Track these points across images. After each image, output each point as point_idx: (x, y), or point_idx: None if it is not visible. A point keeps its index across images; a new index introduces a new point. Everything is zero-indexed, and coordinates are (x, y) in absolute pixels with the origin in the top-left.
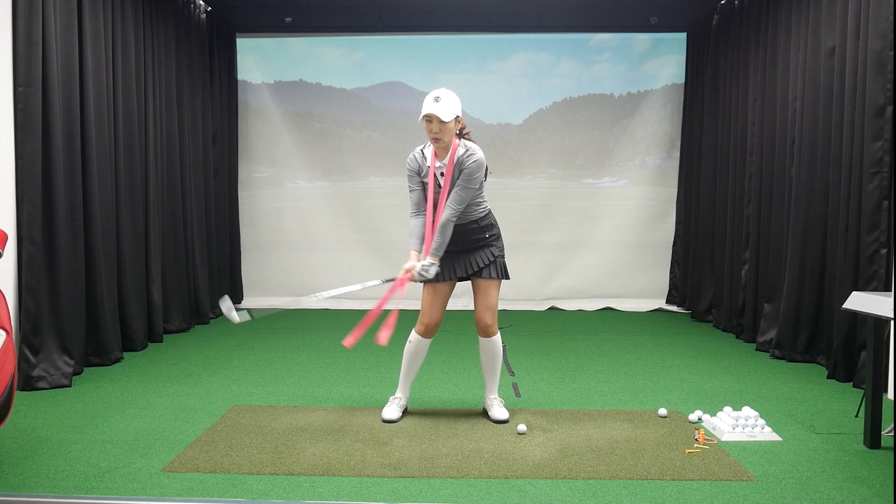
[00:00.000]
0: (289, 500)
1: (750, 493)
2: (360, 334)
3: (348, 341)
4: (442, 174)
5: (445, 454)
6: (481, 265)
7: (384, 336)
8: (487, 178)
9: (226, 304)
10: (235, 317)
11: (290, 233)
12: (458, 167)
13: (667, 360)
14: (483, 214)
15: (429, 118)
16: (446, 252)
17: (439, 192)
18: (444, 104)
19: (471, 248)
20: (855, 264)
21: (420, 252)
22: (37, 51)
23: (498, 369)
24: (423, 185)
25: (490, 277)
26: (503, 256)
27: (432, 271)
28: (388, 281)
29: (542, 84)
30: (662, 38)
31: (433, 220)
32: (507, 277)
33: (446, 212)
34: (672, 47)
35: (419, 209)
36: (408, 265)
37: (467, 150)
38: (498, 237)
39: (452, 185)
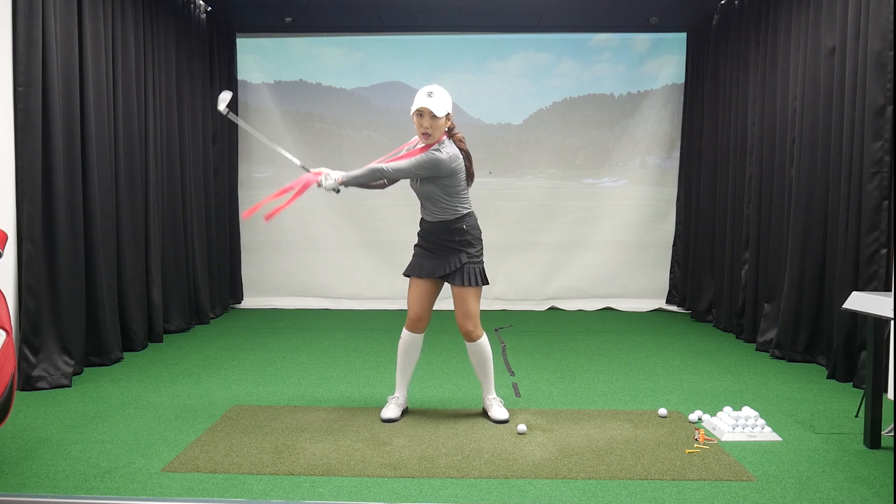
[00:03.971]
0: (289, 500)
1: (750, 493)
2: (258, 209)
3: (246, 213)
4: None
5: (445, 454)
6: (447, 270)
7: (267, 216)
8: (473, 182)
9: (225, 99)
10: (223, 106)
11: (290, 233)
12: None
13: (667, 360)
14: (454, 217)
15: (420, 112)
16: (423, 249)
17: (394, 156)
18: (437, 99)
19: (441, 250)
20: (855, 264)
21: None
22: (37, 51)
23: (489, 371)
24: None
25: (458, 284)
26: (477, 263)
27: (328, 183)
28: (303, 167)
29: (542, 84)
30: (662, 38)
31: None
32: (485, 283)
33: (376, 164)
34: (672, 47)
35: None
36: (325, 169)
37: (438, 147)
38: (470, 244)
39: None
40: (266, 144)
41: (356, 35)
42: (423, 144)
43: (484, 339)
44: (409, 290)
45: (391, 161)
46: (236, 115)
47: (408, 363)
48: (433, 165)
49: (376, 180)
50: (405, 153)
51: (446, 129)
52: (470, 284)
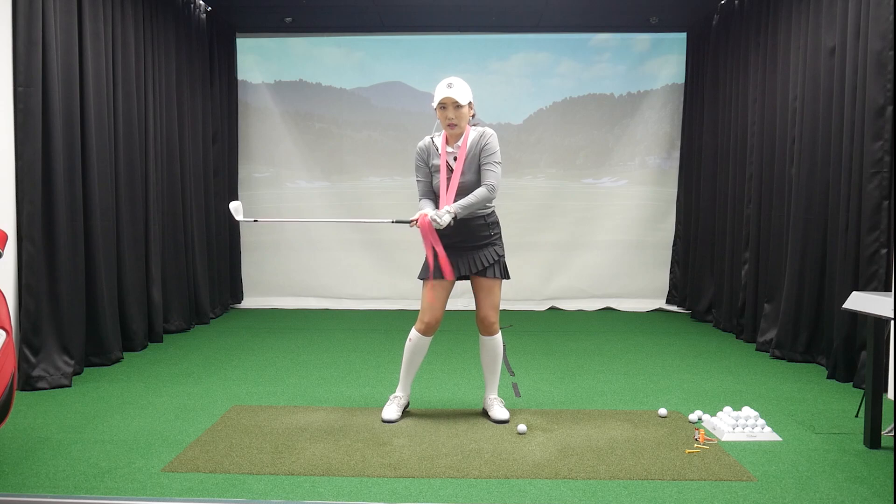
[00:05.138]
0: (289, 500)
1: (750, 493)
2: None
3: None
4: (455, 159)
5: (445, 454)
6: (486, 264)
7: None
8: None
9: (235, 206)
10: (239, 214)
11: (290, 233)
12: (477, 149)
13: (667, 360)
14: (490, 212)
15: (444, 104)
16: (451, 248)
17: (451, 177)
18: (458, 89)
19: (476, 246)
20: (855, 264)
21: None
22: (37, 51)
23: (499, 368)
24: (431, 174)
25: (495, 277)
26: (504, 256)
27: (446, 219)
28: (397, 221)
29: (542, 84)
30: (662, 38)
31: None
32: (509, 277)
33: (483, 189)
34: (672, 47)
35: (427, 196)
36: (420, 212)
37: (480, 132)
38: (500, 237)
39: (467, 169)
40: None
41: (356, 35)
42: (452, 145)
43: (500, 335)
44: (427, 294)
45: (458, 183)
46: (237, 142)
47: (414, 364)
48: (497, 144)
49: (489, 202)
50: (458, 162)
51: (471, 117)
52: (505, 277)
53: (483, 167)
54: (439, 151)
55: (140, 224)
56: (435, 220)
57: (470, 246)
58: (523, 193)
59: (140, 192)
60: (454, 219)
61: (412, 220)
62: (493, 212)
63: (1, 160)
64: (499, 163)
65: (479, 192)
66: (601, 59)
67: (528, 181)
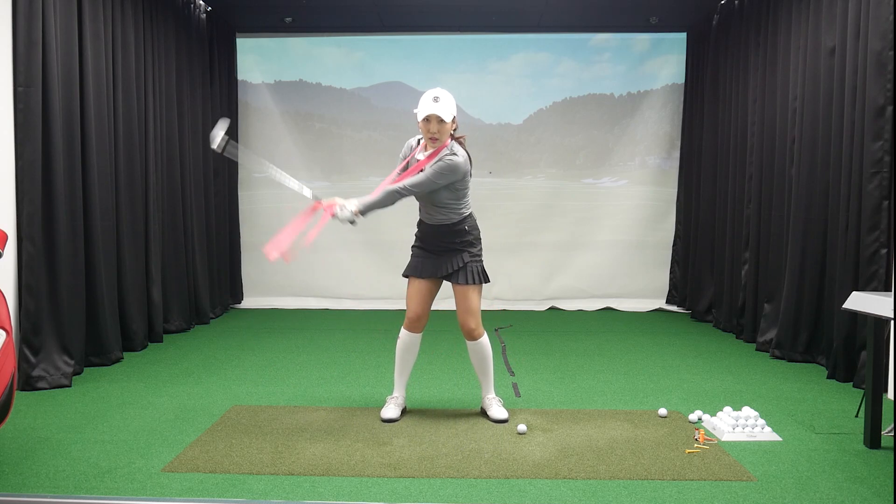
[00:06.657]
0: (289, 500)
1: (750, 493)
2: (285, 246)
3: (272, 254)
4: (416, 160)
5: (445, 454)
6: (450, 270)
7: (273, 253)
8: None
9: (219, 132)
10: (218, 139)
11: None
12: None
13: (667, 360)
14: (457, 220)
15: (428, 119)
16: (422, 250)
17: (401, 175)
18: (444, 104)
19: (442, 251)
20: (855, 264)
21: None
22: (37, 51)
23: (489, 370)
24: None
25: (461, 283)
26: (478, 262)
27: (343, 215)
28: (315, 197)
29: (542, 84)
30: (662, 38)
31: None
32: (486, 281)
33: (398, 184)
34: (672, 47)
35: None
36: (338, 200)
37: (451, 151)
38: (472, 244)
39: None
40: (271, 174)
41: (356, 35)
42: (427, 151)
43: (485, 339)
44: (408, 291)
45: (403, 178)
46: (236, 141)
47: (406, 363)
48: (452, 171)
49: (394, 203)
50: (414, 165)
51: (452, 132)
52: (473, 283)
53: (423, 171)
54: (417, 155)
55: (140, 224)
56: (334, 214)
57: (435, 250)
58: (523, 193)
59: (140, 192)
60: (353, 218)
61: (325, 205)
62: (464, 220)
63: (1, 160)
64: (432, 179)
65: (385, 188)
66: (601, 59)
67: (528, 181)
